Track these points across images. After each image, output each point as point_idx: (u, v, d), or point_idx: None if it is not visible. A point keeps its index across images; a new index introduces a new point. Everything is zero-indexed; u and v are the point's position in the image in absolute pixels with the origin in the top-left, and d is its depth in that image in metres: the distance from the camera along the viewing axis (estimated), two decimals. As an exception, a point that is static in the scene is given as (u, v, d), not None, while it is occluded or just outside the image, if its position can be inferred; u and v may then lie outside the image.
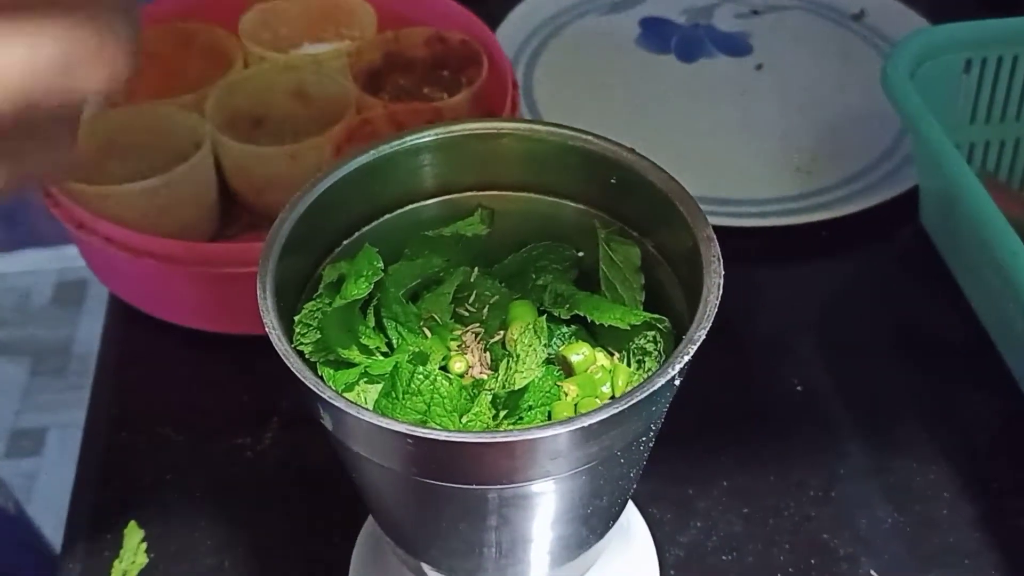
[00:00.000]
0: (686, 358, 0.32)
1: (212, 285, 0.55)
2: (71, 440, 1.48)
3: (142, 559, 0.49)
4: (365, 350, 0.37)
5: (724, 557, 0.50)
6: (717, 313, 0.34)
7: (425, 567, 0.41)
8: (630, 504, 0.50)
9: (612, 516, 0.41)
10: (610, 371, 0.37)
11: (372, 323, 0.38)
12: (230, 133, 0.59)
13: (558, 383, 0.37)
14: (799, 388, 0.57)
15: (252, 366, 0.56)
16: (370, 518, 0.49)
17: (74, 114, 0.26)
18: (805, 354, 0.59)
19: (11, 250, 1.70)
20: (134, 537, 0.50)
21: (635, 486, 0.40)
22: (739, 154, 0.70)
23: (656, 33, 0.80)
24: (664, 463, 0.52)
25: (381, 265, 0.36)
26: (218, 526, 0.51)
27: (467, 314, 0.41)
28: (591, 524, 0.39)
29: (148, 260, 0.54)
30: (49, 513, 0.92)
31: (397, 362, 0.35)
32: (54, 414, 1.52)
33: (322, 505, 0.51)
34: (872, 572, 0.49)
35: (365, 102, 0.62)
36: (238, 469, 0.53)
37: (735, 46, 0.79)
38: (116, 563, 0.49)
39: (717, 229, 0.36)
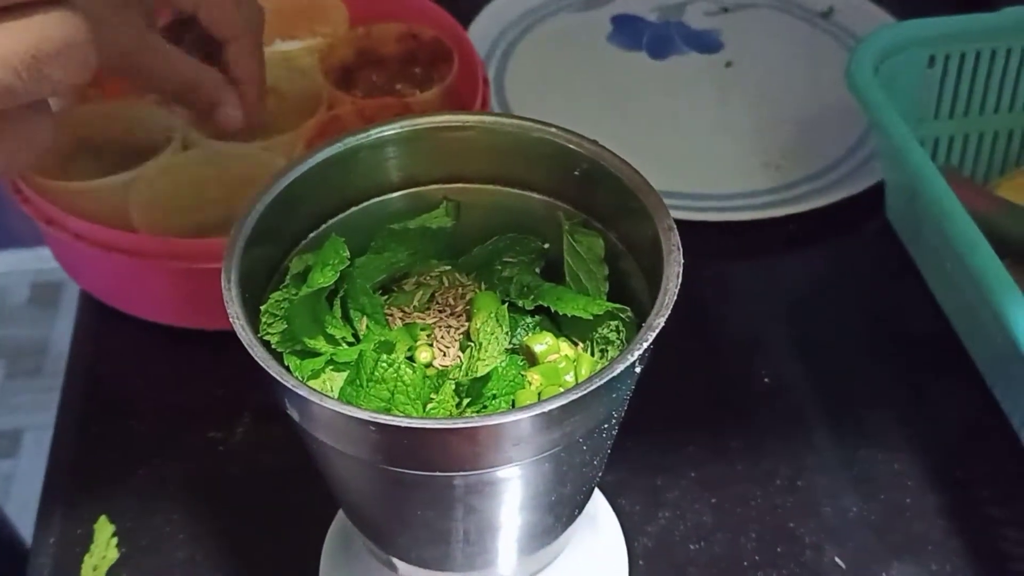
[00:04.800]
0: (645, 344, 0.32)
1: (182, 280, 0.55)
2: (48, 441, 1.48)
3: (113, 554, 0.49)
4: (331, 339, 0.37)
5: (692, 546, 0.51)
6: (687, 306, 0.34)
7: (394, 559, 0.42)
8: (598, 494, 0.50)
9: (578, 504, 0.41)
10: (573, 360, 0.38)
11: (339, 314, 0.39)
12: (201, 128, 0.60)
13: (522, 372, 0.37)
14: (767, 380, 0.58)
15: (223, 361, 0.56)
16: (341, 511, 0.49)
17: (44, 102, 0.27)
18: (773, 346, 0.60)
19: (-13, 250, 1.70)
20: (105, 532, 0.50)
21: (600, 475, 0.41)
22: (710, 149, 0.71)
23: (628, 30, 0.81)
24: (632, 453, 0.52)
25: (347, 254, 0.37)
26: (189, 520, 0.51)
27: (441, 308, 0.41)
28: (557, 512, 0.40)
29: (117, 256, 0.54)
30: (25, 514, 0.92)
31: (362, 350, 0.35)
32: (30, 415, 1.51)
33: (293, 498, 0.51)
34: (837, 560, 0.50)
35: (336, 98, 0.62)
36: (209, 463, 0.53)
37: (706, 43, 0.80)
38: (87, 558, 0.49)
39: (688, 223, 0.37)
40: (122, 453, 0.54)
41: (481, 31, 0.78)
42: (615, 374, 0.32)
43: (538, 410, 0.31)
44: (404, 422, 0.31)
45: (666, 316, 0.33)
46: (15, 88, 0.24)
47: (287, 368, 0.36)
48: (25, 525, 0.91)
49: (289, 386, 0.31)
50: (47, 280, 1.69)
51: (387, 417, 0.31)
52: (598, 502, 0.50)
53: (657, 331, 0.33)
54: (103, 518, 0.51)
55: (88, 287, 0.61)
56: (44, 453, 0.55)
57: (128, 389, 0.58)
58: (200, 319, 0.57)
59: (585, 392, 0.31)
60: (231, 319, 0.33)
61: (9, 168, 0.26)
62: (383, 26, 0.66)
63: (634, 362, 0.32)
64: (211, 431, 0.55)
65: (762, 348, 0.60)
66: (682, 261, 0.35)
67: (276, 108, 0.64)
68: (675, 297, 0.34)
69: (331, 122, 0.60)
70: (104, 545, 0.50)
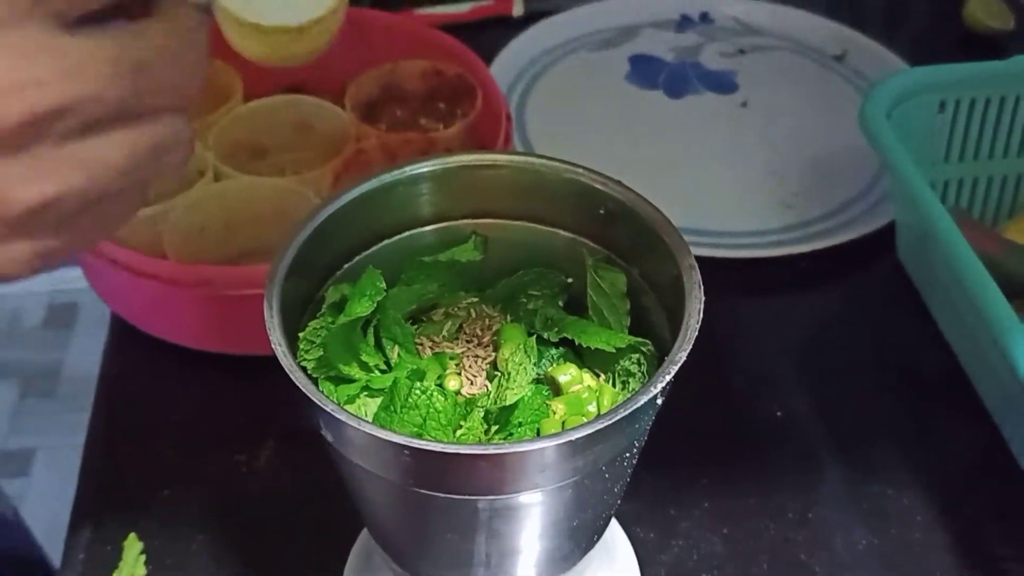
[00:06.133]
0: (668, 377, 0.34)
1: (213, 307, 0.56)
2: (60, 462, 1.48)
3: (141, 570, 0.51)
4: (365, 367, 0.39)
5: (705, 575, 0.52)
6: (702, 341, 0.36)
7: (416, 579, 0.43)
8: (614, 523, 0.51)
9: (597, 531, 0.42)
10: (596, 391, 0.39)
11: (372, 342, 0.40)
12: (232, 163, 0.61)
13: (547, 402, 0.39)
14: (779, 414, 0.59)
15: (249, 386, 0.58)
16: (363, 533, 0.51)
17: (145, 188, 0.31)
18: (786, 382, 0.61)
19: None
20: (134, 549, 0.51)
21: (619, 502, 0.42)
22: (725, 188, 0.73)
23: (645, 70, 0.83)
24: (648, 485, 0.54)
25: (384, 285, 0.38)
26: (215, 539, 0.52)
27: (468, 339, 0.42)
28: (576, 538, 0.41)
29: (152, 282, 0.55)
30: (36, 532, 0.93)
31: (396, 377, 0.37)
32: (43, 436, 1.53)
33: (316, 520, 0.53)
34: (846, 591, 0.51)
35: (362, 131, 0.64)
36: (234, 485, 0.55)
37: (721, 84, 0.82)
38: (115, 574, 0.51)
39: (703, 260, 0.39)
40: (149, 474, 0.55)
41: (503, 68, 0.80)
42: (639, 405, 0.33)
43: (564, 439, 0.32)
44: (437, 447, 0.32)
45: (688, 350, 0.35)
46: (137, 171, 0.28)
47: (322, 393, 0.38)
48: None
49: (328, 410, 0.33)
50: (63, 302, 1.71)
51: (421, 442, 0.32)
52: (614, 530, 0.51)
53: (679, 364, 0.34)
54: (132, 535, 0.52)
55: (120, 311, 0.62)
56: (57, 473, 0.56)
57: (156, 411, 0.59)
58: (229, 344, 0.59)
59: (609, 422, 0.33)
60: (273, 345, 0.34)
61: (108, 232, 0.30)
62: (409, 62, 0.68)
63: (657, 394, 0.34)
64: (236, 454, 0.56)
65: (774, 383, 0.61)
66: (703, 298, 0.36)
67: (305, 143, 0.66)
68: (696, 332, 0.35)
69: (355, 156, 0.62)
70: (133, 562, 0.51)
